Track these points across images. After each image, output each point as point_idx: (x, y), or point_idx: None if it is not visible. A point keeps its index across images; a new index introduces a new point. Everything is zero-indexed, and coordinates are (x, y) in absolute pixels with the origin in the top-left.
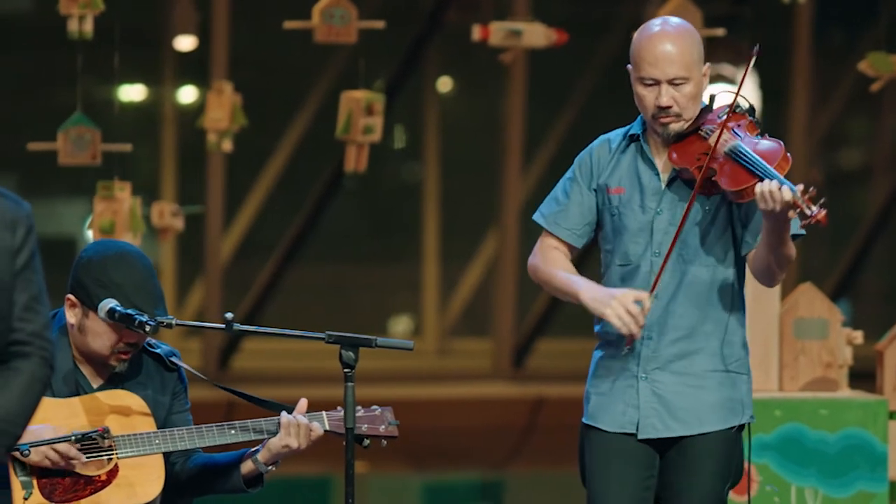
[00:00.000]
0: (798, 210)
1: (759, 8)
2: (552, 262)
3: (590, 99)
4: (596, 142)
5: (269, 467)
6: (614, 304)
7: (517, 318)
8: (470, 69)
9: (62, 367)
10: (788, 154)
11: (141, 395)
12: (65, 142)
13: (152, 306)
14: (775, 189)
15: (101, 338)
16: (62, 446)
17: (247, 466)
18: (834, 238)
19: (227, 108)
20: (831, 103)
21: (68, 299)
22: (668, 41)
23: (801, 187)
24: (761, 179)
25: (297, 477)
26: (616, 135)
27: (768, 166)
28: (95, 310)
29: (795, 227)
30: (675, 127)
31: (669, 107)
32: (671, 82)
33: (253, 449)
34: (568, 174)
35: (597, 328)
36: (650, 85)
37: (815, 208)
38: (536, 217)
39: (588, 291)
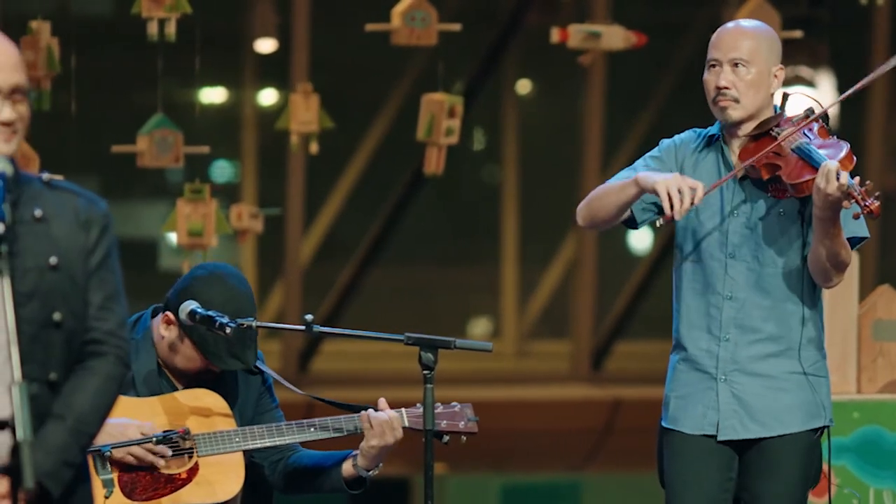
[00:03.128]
0: (853, 201)
1: (836, 10)
2: (608, 183)
3: (668, 101)
4: (683, 133)
5: (371, 472)
6: (670, 178)
7: (596, 320)
8: (549, 71)
9: (145, 367)
10: (854, 156)
11: (224, 396)
12: (149, 144)
13: (241, 348)
14: (833, 169)
15: (190, 362)
16: (147, 445)
17: (347, 469)
18: None
19: (314, 111)
20: None
21: (166, 316)
22: (737, 30)
23: (857, 179)
24: None
25: (376, 477)
26: (701, 133)
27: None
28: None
29: (853, 230)
30: (734, 114)
31: (727, 88)
32: (732, 64)
33: (354, 452)
34: (651, 153)
35: (674, 332)
36: (713, 66)
37: (869, 200)
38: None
39: (644, 172)
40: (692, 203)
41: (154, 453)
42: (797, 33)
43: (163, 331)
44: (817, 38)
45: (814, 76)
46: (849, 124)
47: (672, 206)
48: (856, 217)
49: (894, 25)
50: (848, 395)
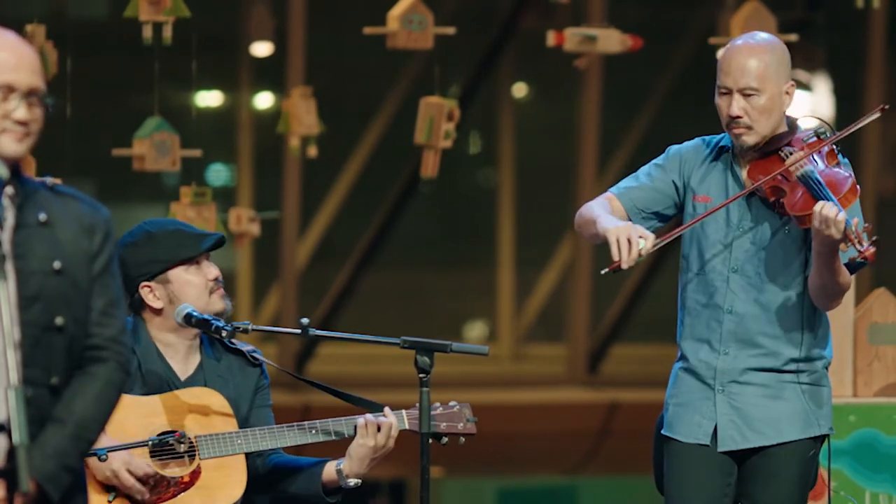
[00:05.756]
0: (850, 244)
1: (832, 13)
2: (596, 206)
3: (664, 104)
4: (692, 142)
5: (353, 482)
6: (622, 227)
7: (592, 323)
8: (545, 75)
9: (146, 366)
10: (858, 187)
11: (223, 391)
12: (148, 147)
13: (201, 233)
14: (832, 214)
15: (194, 287)
16: (137, 468)
17: (328, 475)
18: None
19: (314, 114)
20: None
21: (145, 286)
22: (745, 51)
23: (856, 221)
24: None
25: (371, 480)
26: (710, 142)
27: (832, 195)
28: (172, 267)
29: (850, 255)
30: (749, 140)
31: (739, 117)
32: (742, 92)
33: (337, 459)
34: (656, 160)
35: (679, 342)
36: (724, 93)
37: (865, 244)
38: (611, 189)
39: (609, 220)
40: (640, 255)
41: (140, 479)
42: (793, 37)
43: (155, 303)
44: (813, 41)
45: (810, 80)
46: (844, 123)
47: (621, 255)
48: (852, 261)
49: (890, 28)
50: (844, 398)
